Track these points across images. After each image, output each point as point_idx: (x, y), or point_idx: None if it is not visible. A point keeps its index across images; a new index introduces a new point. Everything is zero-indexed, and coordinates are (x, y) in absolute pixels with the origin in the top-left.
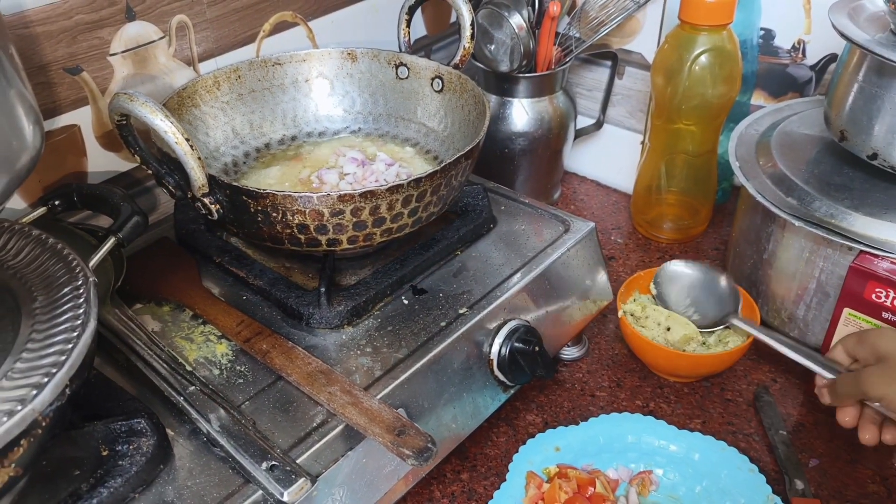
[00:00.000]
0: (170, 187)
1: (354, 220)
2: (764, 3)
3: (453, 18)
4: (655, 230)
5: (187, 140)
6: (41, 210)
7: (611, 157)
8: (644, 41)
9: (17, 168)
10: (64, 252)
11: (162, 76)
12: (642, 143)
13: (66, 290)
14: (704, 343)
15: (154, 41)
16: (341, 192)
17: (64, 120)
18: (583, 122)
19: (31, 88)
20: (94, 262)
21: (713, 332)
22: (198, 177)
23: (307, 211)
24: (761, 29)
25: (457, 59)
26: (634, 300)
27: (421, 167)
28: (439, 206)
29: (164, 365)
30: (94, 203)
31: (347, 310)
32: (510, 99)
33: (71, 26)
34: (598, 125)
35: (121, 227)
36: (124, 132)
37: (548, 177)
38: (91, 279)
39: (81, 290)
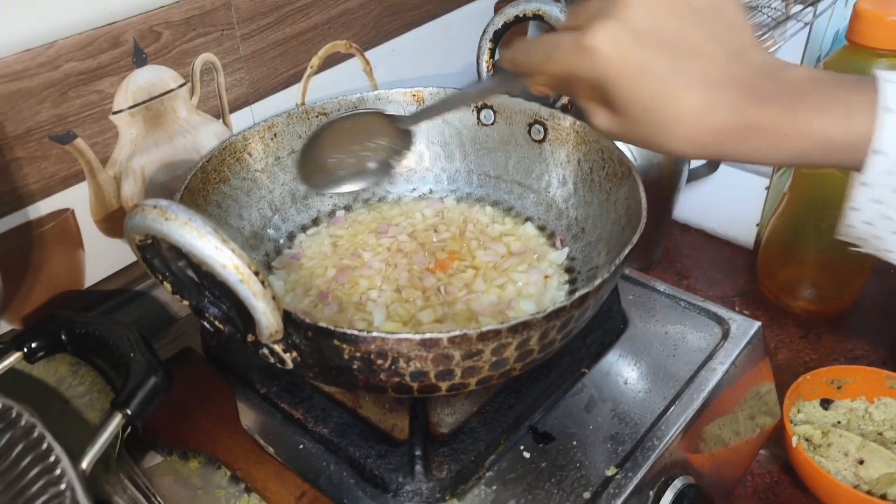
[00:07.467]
0: (217, 323)
1: (495, 359)
2: None
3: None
4: (789, 297)
5: (257, 274)
6: (14, 357)
7: (725, 204)
8: None
9: None
10: (43, 446)
11: (182, 135)
12: (768, 188)
13: None
14: None
15: (172, 90)
16: (483, 330)
17: (52, 204)
18: (693, 162)
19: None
20: (88, 461)
21: None
22: (270, 322)
23: (430, 356)
24: None
25: (565, 100)
26: (799, 411)
27: (526, 238)
28: (594, 313)
29: None
30: (90, 346)
31: (451, 476)
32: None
33: (59, 79)
34: (713, 167)
35: (130, 396)
36: (148, 255)
37: (652, 233)
38: None
39: None
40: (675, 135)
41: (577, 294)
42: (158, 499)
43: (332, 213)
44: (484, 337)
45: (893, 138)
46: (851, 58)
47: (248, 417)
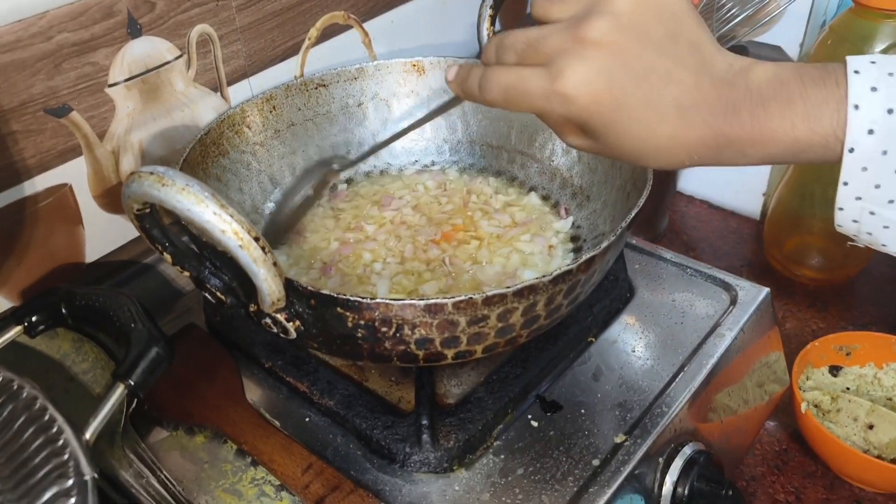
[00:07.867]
0: (218, 294)
1: (500, 325)
2: None
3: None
4: (796, 266)
5: (257, 240)
6: (15, 331)
7: (731, 174)
8: (785, 31)
9: None
10: (45, 417)
11: (180, 108)
12: None
13: (46, 497)
14: None
15: (168, 62)
16: (488, 294)
17: (49, 179)
18: None
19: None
20: (91, 431)
21: None
22: (272, 290)
23: (435, 323)
24: None
25: None
26: (808, 378)
27: (530, 208)
28: (600, 279)
29: None
30: (91, 318)
31: (459, 446)
32: None
33: (52, 50)
34: None
35: (132, 366)
36: (147, 224)
37: (657, 205)
38: (88, 478)
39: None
40: (653, 158)
41: (583, 258)
42: (165, 473)
43: (333, 187)
44: (489, 301)
45: (863, 135)
46: (857, 20)
47: (253, 391)
